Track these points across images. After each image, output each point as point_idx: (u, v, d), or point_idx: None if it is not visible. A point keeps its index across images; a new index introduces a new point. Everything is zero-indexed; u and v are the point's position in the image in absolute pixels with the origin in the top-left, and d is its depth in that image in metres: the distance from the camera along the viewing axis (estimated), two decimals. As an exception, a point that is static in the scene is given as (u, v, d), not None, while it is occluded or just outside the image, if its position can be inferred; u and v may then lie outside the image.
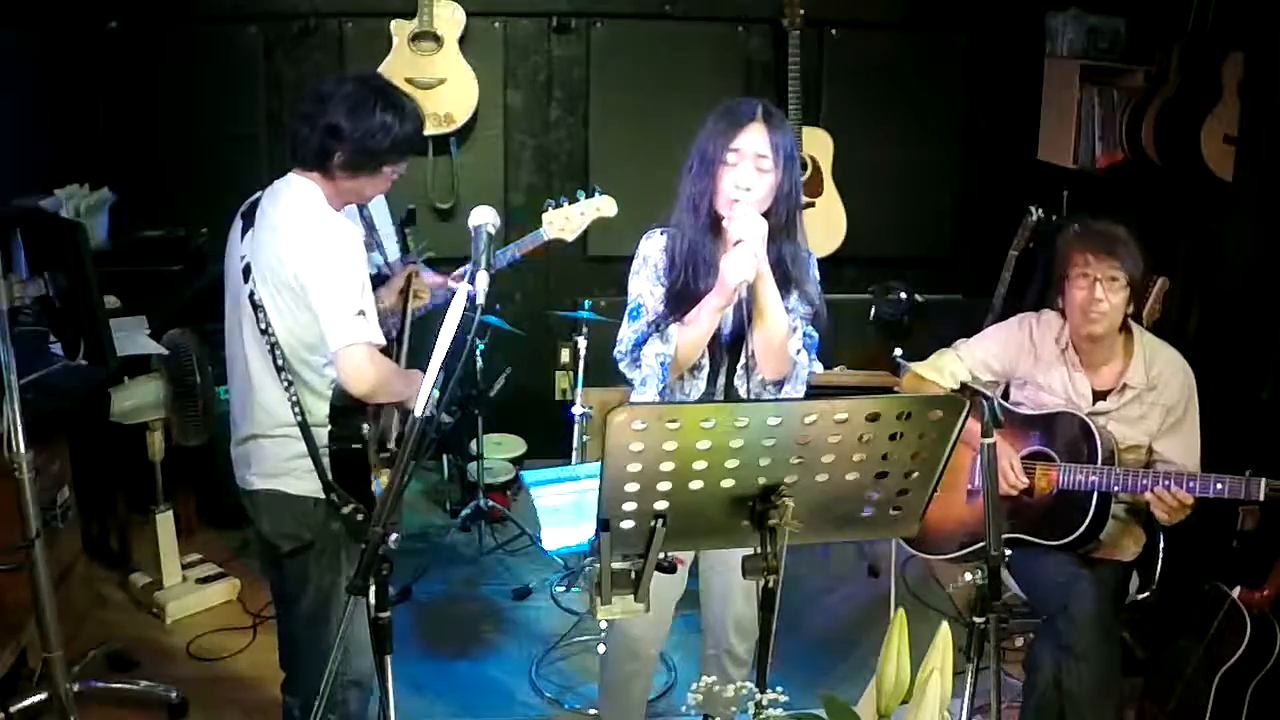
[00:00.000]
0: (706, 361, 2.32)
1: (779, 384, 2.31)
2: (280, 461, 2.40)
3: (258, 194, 2.44)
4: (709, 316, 2.21)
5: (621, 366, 2.36)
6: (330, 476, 2.35)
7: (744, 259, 2.10)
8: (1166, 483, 2.49)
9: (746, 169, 2.21)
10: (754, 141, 2.20)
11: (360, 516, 2.34)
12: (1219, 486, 2.45)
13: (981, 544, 2.75)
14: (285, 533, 2.45)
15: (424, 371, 2.48)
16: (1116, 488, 2.57)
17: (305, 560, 2.46)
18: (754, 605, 2.43)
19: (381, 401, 2.39)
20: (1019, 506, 2.72)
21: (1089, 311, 2.62)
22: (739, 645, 2.54)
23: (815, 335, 2.37)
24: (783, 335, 2.24)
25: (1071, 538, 2.62)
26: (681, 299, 2.27)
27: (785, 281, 2.28)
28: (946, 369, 2.88)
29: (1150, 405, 2.66)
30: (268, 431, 2.41)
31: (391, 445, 2.47)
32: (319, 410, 2.37)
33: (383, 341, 2.34)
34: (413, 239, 2.99)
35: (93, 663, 3.18)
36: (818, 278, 2.39)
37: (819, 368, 2.42)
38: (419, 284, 2.81)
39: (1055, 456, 2.69)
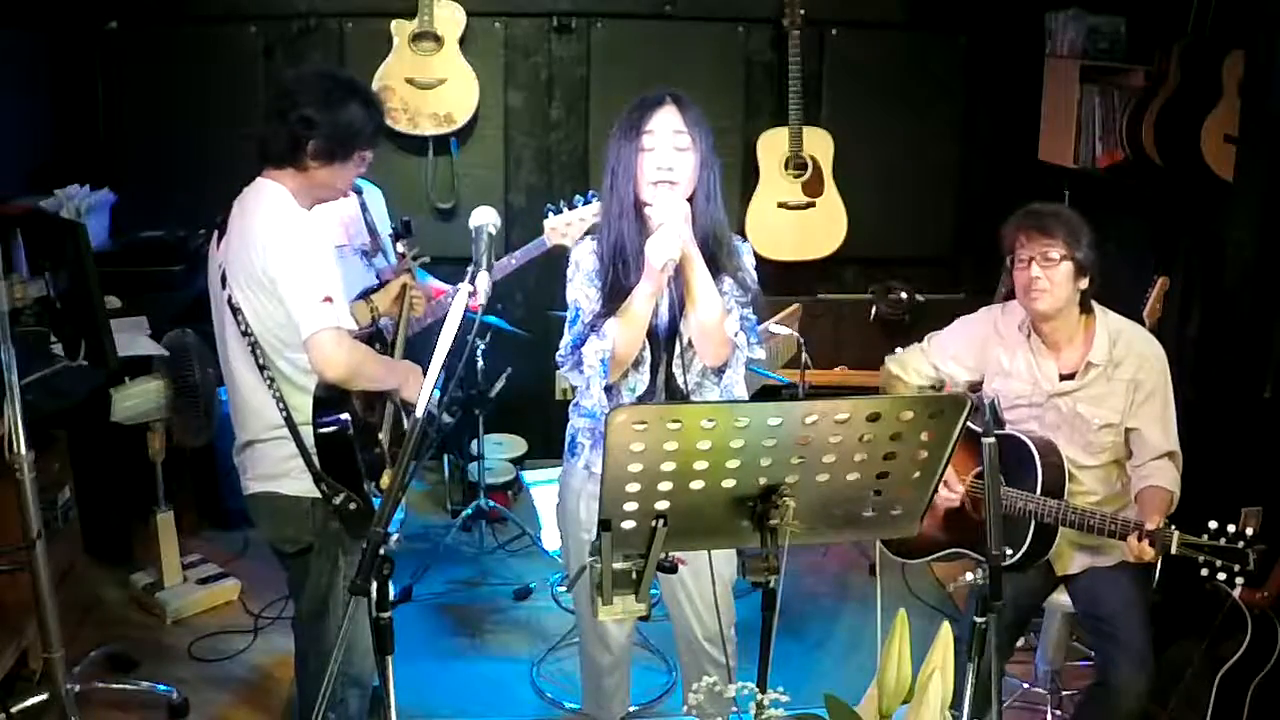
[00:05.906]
0: (648, 354, 2.29)
1: (720, 371, 2.29)
2: (275, 463, 2.41)
3: (232, 204, 2.44)
4: (642, 303, 2.18)
5: (563, 371, 2.33)
6: (319, 467, 2.35)
7: (667, 239, 2.09)
8: (1090, 517, 2.52)
9: (665, 150, 2.20)
10: (668, 121, 2.20)
11: (353, 505, 2.35)
12: (1112, 528, 2.49)
13: (952, 550, 2.79)
14: (285, 536, 2.47)
15: (420, 368, 2.51)
16: (1048, 520, 2.57)
17: (305, 561, 2.47)
18: (708, 606, 2.36)
19: (361, 388, 2.37)
20: (964, 522, 2.72)
21: (1030, 290, 2.63)
22: (710, 647, 2.47)
23: (754, 318, 2.33)
24: (717, 316, 2.21)
25: (1013, 560, 2.61)
26: (615, 296, 2.25)
27: (714, 262, 2.25)
28: (910, 365, 2.90)
29: (1117, 382, 2.66)
30: (260, 435, 2.42)
31: (382, 437, 2.45)
32: (305, 407, 2.36)
33: (354, 326, 2.34)
34: (404, 246, 2.96)
35: (93, 663, 3.19)
36: (752, 264, 2.37)
37: (761, 353, 2.41)
38: (414, 292, 2.81)
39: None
